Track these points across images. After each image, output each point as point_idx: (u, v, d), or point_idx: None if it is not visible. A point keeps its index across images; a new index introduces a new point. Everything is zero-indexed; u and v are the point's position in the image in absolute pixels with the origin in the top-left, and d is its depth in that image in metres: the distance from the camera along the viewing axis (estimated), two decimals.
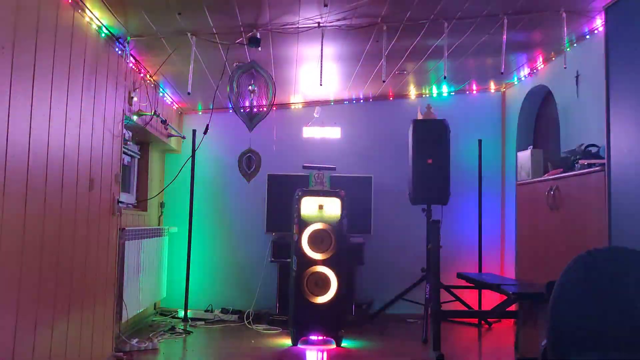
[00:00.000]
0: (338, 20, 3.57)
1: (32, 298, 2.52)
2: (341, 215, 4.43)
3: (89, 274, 3.20)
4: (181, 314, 5.21)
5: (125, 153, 4.57)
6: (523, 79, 5.25)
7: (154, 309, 5.36)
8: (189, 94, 4.04)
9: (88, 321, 3.21)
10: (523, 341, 3.97)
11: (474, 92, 5.77)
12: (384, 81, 4.41)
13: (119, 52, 3.65)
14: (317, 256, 4.38)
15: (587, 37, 4.03)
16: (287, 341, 4.40)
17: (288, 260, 4.96)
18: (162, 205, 5.58)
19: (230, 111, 5.39)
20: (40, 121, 2.56)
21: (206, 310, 5.38)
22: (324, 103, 5.76)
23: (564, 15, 3.62)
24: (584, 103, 4.08)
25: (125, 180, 4.81)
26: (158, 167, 5.48)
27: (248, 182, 4.77)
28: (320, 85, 4.10)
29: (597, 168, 3.11)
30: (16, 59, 2.31)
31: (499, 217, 5.68)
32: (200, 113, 5.77)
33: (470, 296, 5.40)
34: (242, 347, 4.24)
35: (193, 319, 5.13)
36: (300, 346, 4.29)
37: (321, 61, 3.89)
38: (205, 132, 4.59)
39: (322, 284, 4.36)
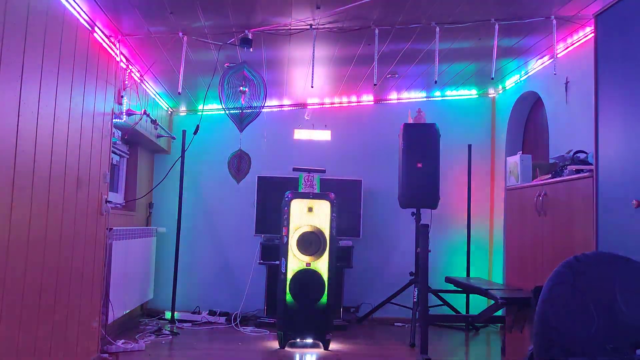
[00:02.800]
0: (330, 22, 3.58)
1: (17, 297, 2.49)
2: (330, 218, 4.42)
3: (75, 274, 3.17)
4: (168, 315, 5.17)
5: (114, 152, 4.55)
6: (513, 84, 5.28)
7: (141, 310, 5.32)
8: (179, 93, 4.03)
9: (74, 321, 3.18)
10: (510, 346, 3.98)
11: (465, 97, 5.80)
12: (375, 84, 4.42)
13: (110, 50, 3.63)
14: (306, 259, 4.37)
15: (577, 44, 4.06)
16: (274, 344, 4.38)
17: (277, 262, 4.95)
18: (150, 205, 5.55)
19: (221, 112, 5.38)
20: (28, 119, 2.53)
21: (193, 312, 5.35)
22: (314, 105, 5.76)
23: (555, 22, 3.65)
24: (573, 109, 4.12)
25: (113, 180, 4.78)
26: (147, 167, 5.45)
27: (237, 184, 4.76)
28: (312, 87, 4.10)
29: (585, 174, 3.13)
30: (4, 56, 2.29)
31: (487, 222, 5.70)
32: (190, 113, 5.75)
33: (458, 300, 5.41)
34: (229, 349, 4.22)
35: (180, 321, 5.10)
36: (287, 349, 4.27)
37: (312, 63, 3.90)
38: (195, 133, 4.58)
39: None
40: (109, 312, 3.95)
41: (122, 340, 4.09)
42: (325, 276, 4.35)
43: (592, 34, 3.20)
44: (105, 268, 3.77)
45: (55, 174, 2.85)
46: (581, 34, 3.93)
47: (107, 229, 3.76)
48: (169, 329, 4.78)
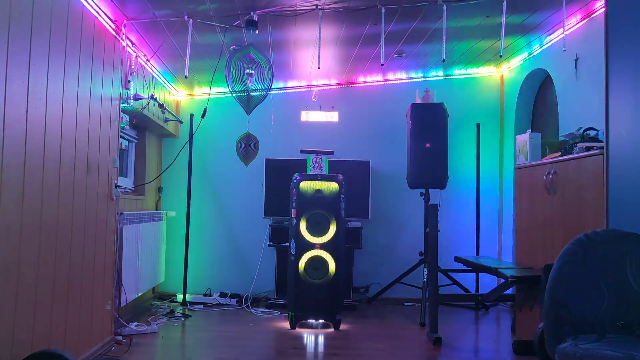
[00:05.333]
0: (336, 2, 3.54)
1: (31, 281, 2.52)
2: (339, 199, 4.43)
3: (87, 258, 3.21)
4: (180, 298, 5.23)
5: (122, 137, 4.56)
6: (522, 62, 5.22)
7: (153, 293, 5.38)
8: (186, 77, 4.03)
9: (87, 304, 3.22)
10: (520, 324, 4.00)
11: (473, 75, 5.75)
12: (382, 64, 4.38)
13: (116, 35, 3.62)
14: (315, 240, 4.39)
15: (587, 19, 4.01)
16: (285, 325, 4.43)
17: (286, 244, 4.97)
18: (159, 189, 5.58)
19: (228, 95, 5.37)
20: (37, 105, 2.54)
21: (205, 294, 5.41)
22: (321, 87, 5.73)
23: None
24: (583, 86, 4.07)
25: (122, 164, 4.80)
26: (155, 152, 5.47)
27: (246, 166, 4.76)
28: (318, 68, 4.08)
29: (595, 151, 3.11)
30: (12, 42, 2.29)
31: (496, 201, 5.69)
32: (197, 97, 5.74)
33: (467, 280, 5.43)
34: (240, 330, 4.27)
35: (192, 303, 5.15)
36: (298, 329, 4.31)
37: (319, 44, 3.87)
38: (202, 116, 4.58)
39: (320, 268, 4.37)
40: (121, 295, 4.00)
41: (135, 323, 4.15)
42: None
43: (603, 9, 3.15)
44: (116, 252, 3.81)
45: (65, 160, 2.86)
46: (591, 8, 3.87)
47: (117, 213, 3.79)
48: (180, 311, 4.84)
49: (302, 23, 3.88)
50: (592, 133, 3.48)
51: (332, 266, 4.38)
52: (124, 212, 4.07)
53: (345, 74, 5.49)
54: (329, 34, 4.16)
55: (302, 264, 4.37)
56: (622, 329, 2.23)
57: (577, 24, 4.12)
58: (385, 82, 5.76)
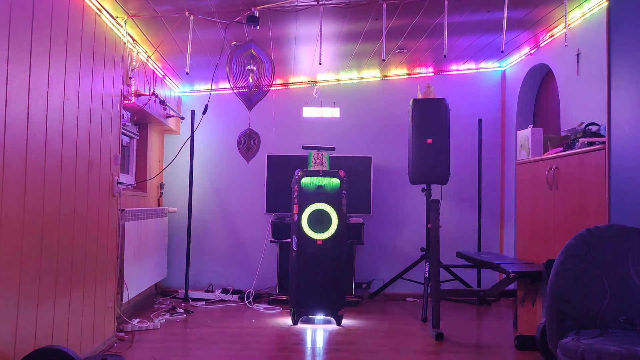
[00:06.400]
0: None
1: (34, 278, 2.53)
2: (341, 195, 4.43)
3: (90, 255, 3.21)
4: (182, 294, 5.24)
5: (124, 134, 4.56)
6: (523, 57, 5.21)
7: (155, 289, 5.39)
8: (187, 73, 4.03)
9: (89, 301, 3.23)
10: (522, 319, 4.00)
11: (474, 71, 5.74)
12: (383, 60, 4.37)
13: (117, 32, 3.62)
14: (317, 236, 4.39)
15: (589, 14, 3.99)
16: (287, 320, 4.43)
17: (288, 240, 4.98)
18: (161, 186, 5.58)
19: (229, 91, 5.37)
20: (38, 102, 2.54)
21: (207, 291, 5.42)
22: (323, 82, 5.72)
23: None
24: (585, 81, 4.06)
25: (124, 161, 4.81)
26: (157, 148, 5.47)
27: (247, 163, 4.76)
28: (320, 64, 4.07)
29: (597, 146, 3.10)
30: (12, 39, 2.29)
31: (498, 197, 5.69)
32: (198, 93, 5.74)
33: (469, 275, 5.43)
34: (242, 326, 4.28)
35: (194, 299, 5.16)
36: (300, 325, 4.32)
37: (320, 40, 3.86)
38: (204, 113, 4.58)
39: (322, 264, 4.37)
40: (123, 292, 4.01)
41: (138, 320, 4.16)
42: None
43: (605, 3, 3.14)
44: (118, 249, 3.81)
45: (66, 157, 2.87)
46: (593, 3, 3.86)
47: (119, 210, 3.79)
48: (183, 307, 4.84)
49: (303, 19, 3.87)
50: (594, 128, 3.48)
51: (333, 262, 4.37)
52: (126, 209, 4.08)
53: (346, 70, 5.48)
54: (330, 30, 4.15)
55: (303, 260, 4.37)
56: (624, 324, 2.23)
57: (579, 18, 4.11)
58: (387, 78, 5.75)
